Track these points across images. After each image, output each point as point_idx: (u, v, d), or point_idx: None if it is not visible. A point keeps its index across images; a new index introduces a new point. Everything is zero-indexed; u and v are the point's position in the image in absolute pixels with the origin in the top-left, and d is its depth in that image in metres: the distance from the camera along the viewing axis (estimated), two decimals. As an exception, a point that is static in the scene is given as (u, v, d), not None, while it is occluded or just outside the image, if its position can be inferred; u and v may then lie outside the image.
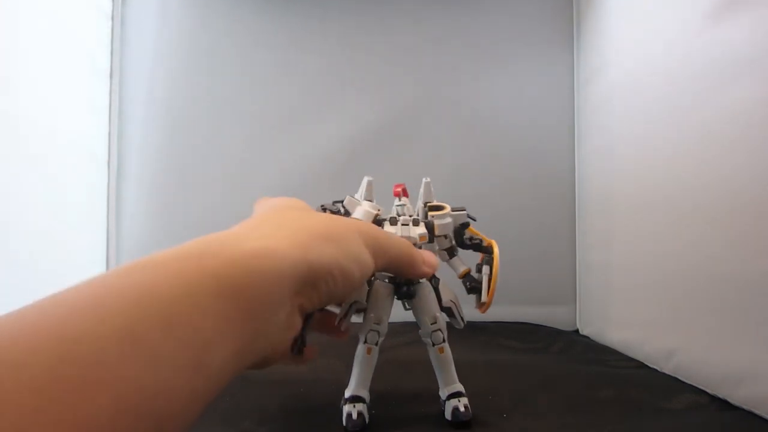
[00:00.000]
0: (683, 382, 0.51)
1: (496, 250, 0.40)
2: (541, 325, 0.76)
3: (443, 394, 0.41)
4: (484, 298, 0.39)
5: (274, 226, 0.25)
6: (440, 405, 0.41)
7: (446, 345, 0.40)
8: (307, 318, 0.30)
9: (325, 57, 0.81)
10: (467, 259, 0.42)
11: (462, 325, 0.42)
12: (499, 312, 0.75)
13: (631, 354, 0.60)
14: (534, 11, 0.82)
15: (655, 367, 0.56)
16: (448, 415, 0.40)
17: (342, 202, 0.41)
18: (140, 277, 0.19)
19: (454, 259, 0.42)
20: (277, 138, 0.80)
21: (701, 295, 0.49)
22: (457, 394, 0.40)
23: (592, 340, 0.71)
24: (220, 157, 0.80)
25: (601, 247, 0.70)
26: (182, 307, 0.18)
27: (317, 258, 0.24)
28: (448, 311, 0.41)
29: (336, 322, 0.37)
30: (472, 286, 0.40)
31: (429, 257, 0.35)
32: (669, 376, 0.53)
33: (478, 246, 0.40)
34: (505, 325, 0.72)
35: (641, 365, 0.57)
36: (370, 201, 0.42)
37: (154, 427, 0.16)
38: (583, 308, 0.77)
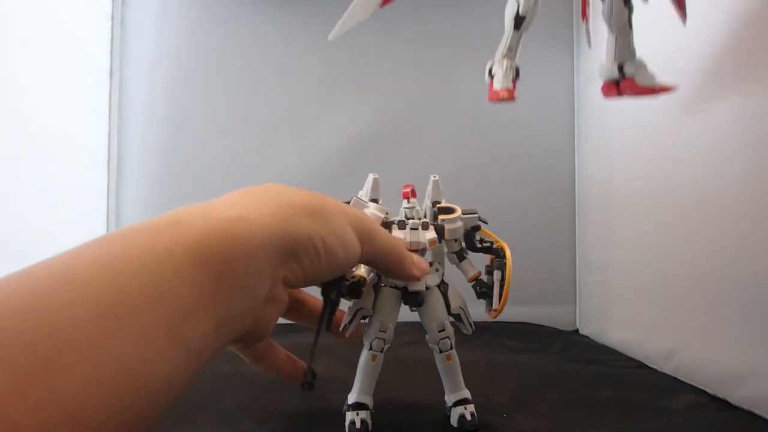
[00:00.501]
0: (683, 382, 0.51)
1: (508, 253, 0.39)
2: (541, 325, 0.76)
3: (449, 400, 0.40)
4: (495, 304, 0.39)
5: (254, 198, 0.24)
6: (445, 411, 0.41)
7: (454, 352, 0.40)
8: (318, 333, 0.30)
9: (325, 56, 0.81)
10: (477, 263, 0.41)
11: (471, 331, 0.41)
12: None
13: (631, 354, 0.60)
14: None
15: (655, 367, 0.56)
16: (454, 422, 0.39)
17: (348, 203, 0.41)
18: (115, 248, 0.18)
19: (464, 262, 0.41)
20: (277, 137, 0.80)
21: (701, 295, 0.49)
22: (463, 401, 0.40)
23: (592, 340, 0.71)
24: (220, 156, 0.80)
25: (601, 247, 0.70)
26: (159, 277, 0.17)
27: (297, 228, 0.23)
28: (456, 317, 0.40)
29: (341, 329, 0.37)
30: (483, 291, 0.39)
31: (420, 261, 0.34)
32: (669, 376, 0.53)
33: (489, 249, 0.39)
34: (505, 325, 0.72)
35: (641, 365, 0.57)
36: (376, 200, 0.41)
37: (133, 403, 0.16)
38: (583, 308, 0.77)
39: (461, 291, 0.41)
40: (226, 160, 0.80)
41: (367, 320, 0.39)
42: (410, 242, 0.37)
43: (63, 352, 0.14)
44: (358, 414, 0.38)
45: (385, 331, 0.38)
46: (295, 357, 0.34)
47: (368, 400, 0.39)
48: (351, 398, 0.39)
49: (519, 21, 0.32)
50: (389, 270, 0.33)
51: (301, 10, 0.81)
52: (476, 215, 0.41)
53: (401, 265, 0.32)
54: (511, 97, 0.31)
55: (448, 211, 0.40)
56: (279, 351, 0.33)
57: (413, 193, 0.40)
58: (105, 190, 0.78)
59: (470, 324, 0.41)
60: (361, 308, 0.37)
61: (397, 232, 0.38)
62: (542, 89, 0.81)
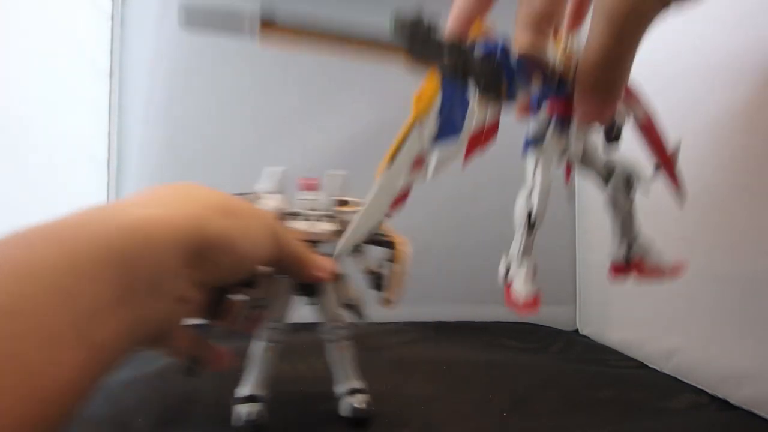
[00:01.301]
0: (683, 382, 0.51)
1: (400, 246, 0.38)
2: (540, 325, 0.76)
3: (340, 390, 0.40)
4: (386, 293, 0.38)
5: (166, 196, 0.24)
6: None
7: (347, 343, 0.40)
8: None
9: (325, 55, 0.81)
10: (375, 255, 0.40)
11: (365, 321, 0.41)
12: (499, 312, 0.75)
13: (631, 354, 0.60)
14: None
15: (655, 367, 0.56)
16: (346, 412, 0.39)
17: (249, 195, 0.40)
18: (20, 249, 0.17)
19: (359, 254, 0.40)
20: (277, 137, 0.80)
21: (701, 295, 0.49)
22: (355, 391, 0.39)
23: (592, 340, 0.71)
24: (220, 156, 0.80)
25: (601, 247, 0.70)
26: (65, 278, 0.17)
27: (209, 228, 0.23)
28: (350, 307, 0.40)
29: (234, 323, 0.36)
30: (376, 282, 0.39)
31: (325, 263, 0.34)
32: (669, 376, 0.53)
33: (380, 242, 0.38)
34: (505, 325, 0.72)
35: (641, 365, 0.57)
36: (279, 193, 0.40)
37: (39, 407, 0.15)
38: (583, 308, 0.77)
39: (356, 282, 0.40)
40: (226, 160, 0.80)
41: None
42: (309, 233, 0.37)
43: None
44: (250, 406, 0.37)
45: (278, 322, 0.38)
46: (218, 346, 0.34)
47: (263, 392, 0.38)
48: (243, 391, 0.38)
49: (532, 224, 0.31)
50: (293, 271, 0.33)
51: (301, 9, 0.81)
52: None
53: (304, 268, 0.32)
54: (538, 305, 0.28)
55: (347, 203, 0.40)
56: (202, 344, 0.32)
57: (314, 186, 0.40)
58: (105, 190, 0.77)
59: (364, 315, 0.40)
60: (256, 298, 0.37)
61: (295, 223, 0.38)
62: (542, 89, 0.81)
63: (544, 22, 0.26)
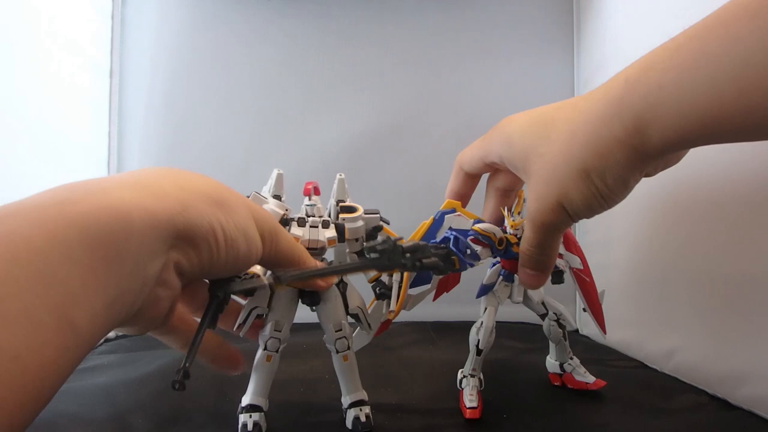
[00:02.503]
0: (683, 382, 0.51)
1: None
2: (541, 325, 0.76)
3: (345, 402, 0.40)
4: (393, 305, 0.38)
5: (154, 178, 0.23)
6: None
7: (351, 353, 0.39)
8: (201, 324, 0.28)
9: (325, 56, 0.81)
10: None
11: (370, 332, 0.41)
12: (499, 312, 0.75)
13: (631, 354, 0.60)
14: (534, 11, 0.82)
15: (655, 367, 0.56)
16: (348, 424, 0.39)
17: (247, 197, 0.40)
18: (3, 224, 0.17)
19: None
20: (277, 137, 0.80)
21: (701, 295, 0.49)
22: (359, 403, 0.39)
23: (592, 340, 0.71)
24: (220, 156, 0.80)
25: (601, 247, 0.70)
26: (46, 261, 0.17)
27: (197, 215, 0.22)
28: (355, 317, 0.40)
29: (235, 328, 0.36)
30: (382, 292, 0.39)
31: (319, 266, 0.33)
32: (669, 376, 0.53)
33: None
34: (505, 325, 0.72)
35: (641, 365, 0.57)
36: (279, 197, 0.39)
37: (20, 392, 0.15)
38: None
39: (361, 291, 0.40)
40: (226, 159, 0.80)
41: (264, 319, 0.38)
42: (309, 240, 0.36)
43: None
44: (251, 416, 0.37)
45: (280, 330, 0.38)
46: (228, 345, 0.33)
47: (262, 402, 0.38)
48: (245, 400, 0.38)
49: (479, 351, 0.42)
50: None
51: (301, 9, 0.81)
52: (378, 215, 0.40)
53: (302, 268, 0.32)
54: (478, 415, 0.40)
55: (350, 210, 0.39)
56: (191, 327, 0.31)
57: (316, 191, 0.39)
58: (105, 190, 0.77)
59: (369, 324, 0.40)
60: (256, 307, 0.36)
61: (296, 230, 0.37)
62: (542, 89, 0.81)
63: (505, 196, 0.40)
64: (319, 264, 0.34)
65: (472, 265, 0.38)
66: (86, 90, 0.72)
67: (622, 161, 0.26)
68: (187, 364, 0.25)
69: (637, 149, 0.26)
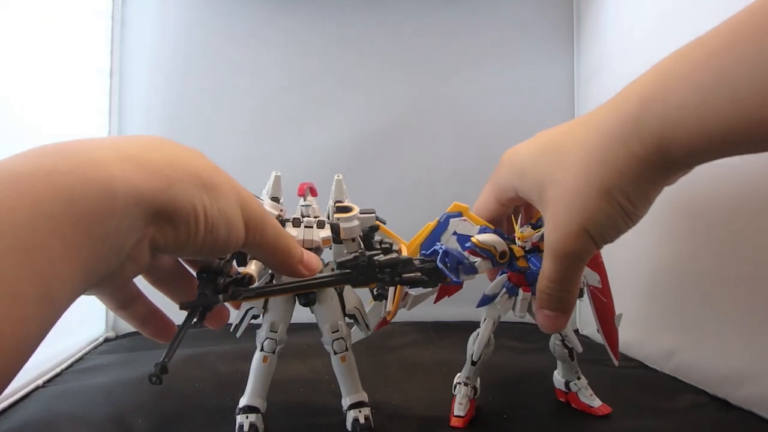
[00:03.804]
0: (683, 382, 0.51)
1: (405, 254, 0.37)
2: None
3: (345, 403, 0.40)
4: (389, 306, 0.38)
5: (145, 149, 0.22)
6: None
7: (349, 353, 0.39)
8: (191, 314, 0.27)
9: (325, 57, 0.81)
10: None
11: (368, 332, 0.40)
12: (499, 312, 0.75)
13: (631, 354, 0.60)
14: (534, 11, 0.82)
15: (655, 367, 0.56)
16: (348, 426, 0.39)
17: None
18: None
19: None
20: (277, 137, 0.80)
21: (701, 295, 0.49)
22: (359, 405, 0.39)
23: (592, 340, 0.71)
24: (220, 156, 0.79)
25: (601, 249, 0.70)
26: (32, 233, 0.16)
27: (182, 195, 0.22)
28: (352, 318, 0.40)
29: (232, 330, 0.36)
30: (379, 293, 0.38)
31: (310, 258, 0.32)
32: (669, 376, 0.53)
33: (388, 250, 0.36)
34: (505, 325, 0.71)
35: (641, 365, 0.57)
36: (277, 199, 0.39)
37: (2, 364, 0.15)
38: (583, 308, 0.77)
39: (360, 291, 0.40)
40: (226, 160, 0.79)
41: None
42: (304, 240, 0.36)
43: None
44: (248, 417, 0.37)
45: (276, 331, 0.37)
46: (165, 315, 0.31)
47: (260, 403, 0.38)
48: (242, 401, 0.38)
49: (474, 362, 0.42)
50: (275, 264, 0.31)
51: (301, 9, 0.81)
52: (373, 215, 0.40)
53: (288, 260, 0.30)
54: (464, 425, 0.40)
55: (346, 210, 0.39)
56: (145, 304, 0.30)
57: (312, 191, 0.39)
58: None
59: (367, 325, 0.40)
60: (252, 307, 0.36)
61: (291, 230, 0.37)
62: (542, 89, 0.81)
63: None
64: (306, 254, 0.33)
65: (461, 281, 0.36)
66: (86, 90, 0.72)
67: (644, 177, 0.26)
68: (166, 360, 0.24)
69: (658, 165, 0.25)
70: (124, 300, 0.28)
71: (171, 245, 0.23)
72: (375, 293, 0.39)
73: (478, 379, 0.43)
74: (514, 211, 0.40)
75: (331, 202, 0.41)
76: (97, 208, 0.18)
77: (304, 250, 0.32)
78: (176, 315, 0.29)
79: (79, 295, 0.19)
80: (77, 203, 0.18)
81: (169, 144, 0.25)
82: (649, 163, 0.25)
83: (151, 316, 0.29)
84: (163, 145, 0.24)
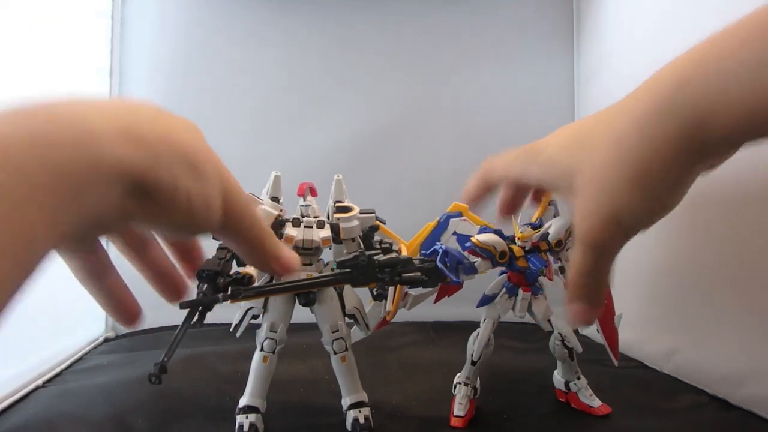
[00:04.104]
0: (683, 382, 0.51)
1: (405, 254, 0.37)
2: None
3: (344, 403, 0.40)
4: (389, 306, 0.38)
5: (139, 121, 0.22)
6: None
7: (349, 353, 0.39)
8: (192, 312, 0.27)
9: (325, 57, 0.81)
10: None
11: (368, 332, 0.40)
12: (499, 312, 0.75)
13: (631, 354, 0.60)
14: (534, 11, 0.82)
15: (655, 367, 0.56)
16: (348, 426, 0.39)
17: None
18: None
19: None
20: (277, 137, 0.80)
21: (701, 295, 0.49)
22: (359, 404, 0.39)
23: (592, 340, 0.70)
24: (220, 156, 0.80)
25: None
26: (11, 200, 0.16)
27: (167, 174, 0.22)
28: (352, 318, 0.40)
29: (231, 329, 0.36)
30: (379, 293, 0.38)
31: (290, 259, 0.30)
32: (669, 376, 0.53)
33: (387, 250, 0.36)
34: (505, 325, 0.71)
35: (641, 365, 0.57)
36: (277, 199, 0.39)
37: None
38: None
39: (360, 291, 0.40)
40: (226, 160, 0.79)
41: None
42: (303, 240, 0.36)
43: None
44: (247, 417, 0.37)
45: (276, 331, 0.38)
46: (133, 297, 0.28)
47: (259, 403, 0.38)
48: (242, 401, 0.38)
49: (474, 362, 0.43)
50: (246, 254, 0.29)
51: (301, 10, 0.81)
52: (373, 215, 0.40)
53: (260, 252, 0.29)
54: (464, 425, 0.40)
55: (345, 210, 0.39)
56: (115, 278, 0.28)
57: (311, 191, 0.39)
58: (105, 190, 0.77)
59: (366, 325, 0.40)
60: (252, 307, 0.36)
61: (291, 230, 0.37)
62: (542, 89, 0.81)
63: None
64: (286, 253, 0.33)
65: (461, 280, 0.36)
66: (86, 90, 0.72)
67: (680, 161, 0.25)
68: (165, 359, 0.25)
69: (694, 149, 0.25)
70: (95, 269, 0.27)
71: (146, 218, 0.23)
72: (375, 293, 0.39)
73: (478, 379, 0.43)
74: (513, 211, 0.40)
75: (331, 202, 0.41)
76: (82, 184, 0.19)
77: (289, 251, 0.30)
78: (171, 308, 0.28)
79: (46, 261, 0.19)
80: (63, 177, 0.18)
81: (162, 117, 0.24)
82: (685, 146, 0.25)
83: (119, 292, 0.27)
84: (156, 118, 0.24)
